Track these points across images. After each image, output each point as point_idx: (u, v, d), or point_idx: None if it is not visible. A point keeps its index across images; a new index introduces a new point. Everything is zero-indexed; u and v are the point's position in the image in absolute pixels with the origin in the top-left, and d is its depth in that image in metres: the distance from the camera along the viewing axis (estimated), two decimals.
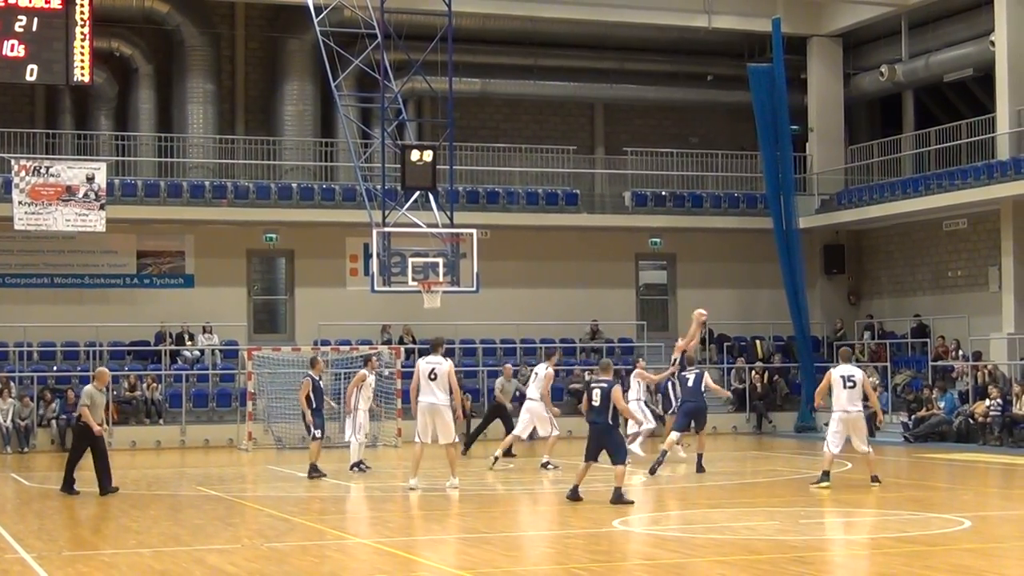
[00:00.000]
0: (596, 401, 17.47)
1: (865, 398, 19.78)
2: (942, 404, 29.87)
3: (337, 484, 21.18)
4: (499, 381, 27.11)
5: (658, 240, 36.84)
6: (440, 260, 27.10)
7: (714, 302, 36.29)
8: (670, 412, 24.15)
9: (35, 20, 27.26)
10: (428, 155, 27.11)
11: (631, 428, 24.50)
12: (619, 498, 17.35)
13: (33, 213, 30.18)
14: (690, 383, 22.28)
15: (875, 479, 19.48)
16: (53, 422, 29.83)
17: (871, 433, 23.52)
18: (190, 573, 12.80)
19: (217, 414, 31.62)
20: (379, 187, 28.52)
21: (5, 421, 29.28)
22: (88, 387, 20.09)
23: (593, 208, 36.49)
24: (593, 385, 17.71)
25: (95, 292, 33.06)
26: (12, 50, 27.19)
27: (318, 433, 21.85)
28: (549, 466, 22.90)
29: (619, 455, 17.52)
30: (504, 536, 15.26)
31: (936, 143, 34.38)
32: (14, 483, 22.91)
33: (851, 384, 19.44)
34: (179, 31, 34.48)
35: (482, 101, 37.69)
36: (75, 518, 17.69)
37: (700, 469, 21.94)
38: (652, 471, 21.54)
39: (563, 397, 32.08)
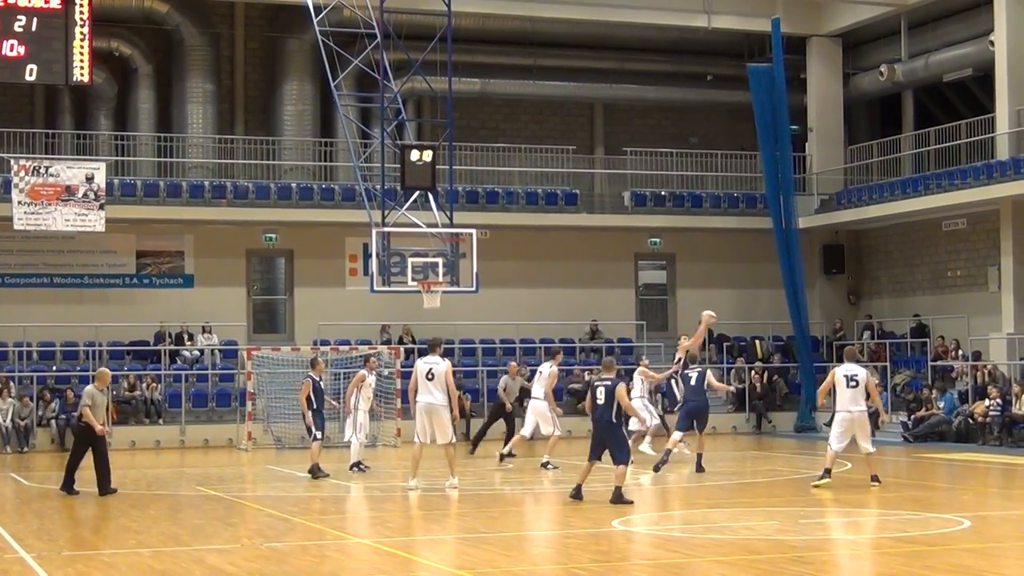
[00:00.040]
0: (600, 399, 17.47)
1: (868, 397, 19.75)
2: (941, 404, 29.87)
3: (337, 484, 21.18)
4: (504, 379, 27.10)
5: (657, 240, 36.85)
6: (439, 260, 27.09)
7: (714, 302, 36.16)
8: (676, 407, 24.05)
9: (34, 20, 27.26)
10: (428, 155, 27.10)
11: (633, 425, 24.48)
12: (619, 498, 17.34)
13: (32, 213, 30.18)
14: (692, 382, 22.25)
15: (875, 479, 19.47)
16: (52, 422, 29.83)
17: (872, 433, 23.48)
18: (190, 573, 12.80)
19: (216, 414, 31.62)
20: (378, 187, 28.51)
21: (5, 421, 29.28)
22: (89, 387, 20.06)
23: (592, 208, 36.50)
24: (597, 383, 17.70)
25: (94, 292, 33.06)
26: (11, 50, 27.19)
27: (319, 434, 21.85)
28: (549, 466, 22.90)
29: (621, 454, 17.51)
30: (504, 536, 15.26)
31: (935, 143, 34.39)
32: (13, 483, 22.91)
33: (854, 383, 19.41)
34: (178, 31, 34.49)
35: (481, 101, 37.70)
36: (75, 518, 17.69)
37: (700, 469, 21.93)
38: (656, 468, 21.58)
39: (563, 397, 32.02)
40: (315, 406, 21.72)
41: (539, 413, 23.51)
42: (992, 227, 32.66)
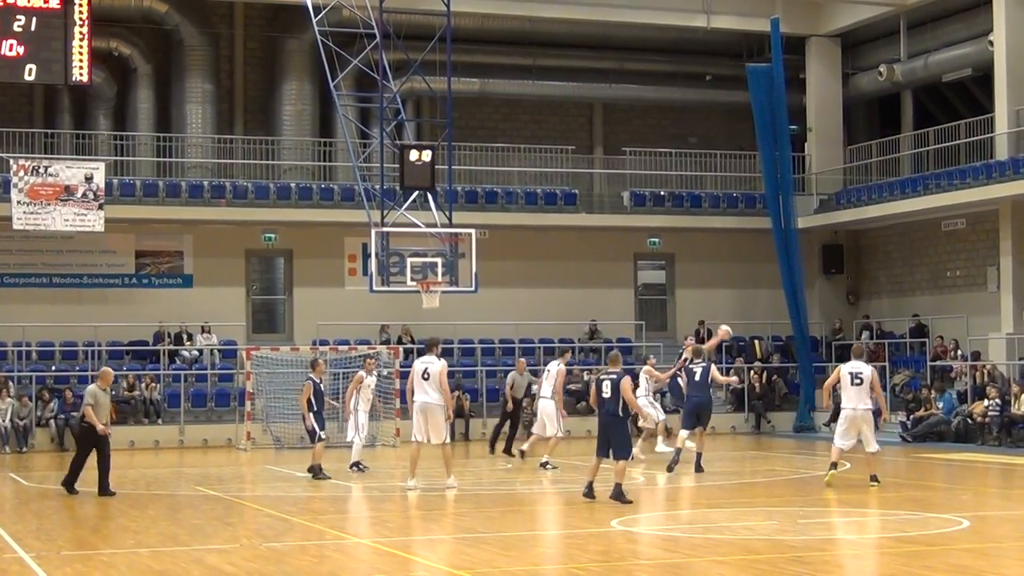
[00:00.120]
0: (607, 393, 17.49)
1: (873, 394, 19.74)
2: (940, 404, 29.87)
3: (336, 484, 21.17)
4: (511, 375, 27.11)
5: (657, 240, 36.85)
6: (439, 260, 27.08)
7: (713, 302, 36.48)
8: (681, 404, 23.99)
9: (34, 20, 27.25)
10: (427, 155, 27.10)
11: (647, 424, 24.52)
12: (619, 494, 17.34)
13: (32, 213, 30.17)
14: (697, 376, 22.22)
15: (874, 479, 19.46)
16: (51, 422, 29.82)
17: None
18: (189, 573, 12.80)
19: (216, 414, 31.62)
20: (378, 187, 28.51)
21: (4, 421, 29.27)
22: (92, 387, 20.01)
23: (592, 208, 36.50)
24: (603, 377, 17.72)
25: (93, 292, 33.06)
26: (11, 49, 27.18)
27: (323, 434, 21.85)
28: (548, 466, 22.90)
29: (622, 450, 17.51)
30: (502, 536, 15.25)
31: (935, 143, 34.39)
32: (12, 483, 22.89)
33: (858, 381, 19.40)
34: (178, 31, 34.48)
35: (481, 101, 37.69)
36: (74, 518, 17.68)
37: (699, 469, 21.92)
38: (670, 469, 21.65)
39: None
40: (315, 408, 21.70)
41: (546, 413, 23.48)
42: (991, 227, 32.66)
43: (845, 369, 19.67)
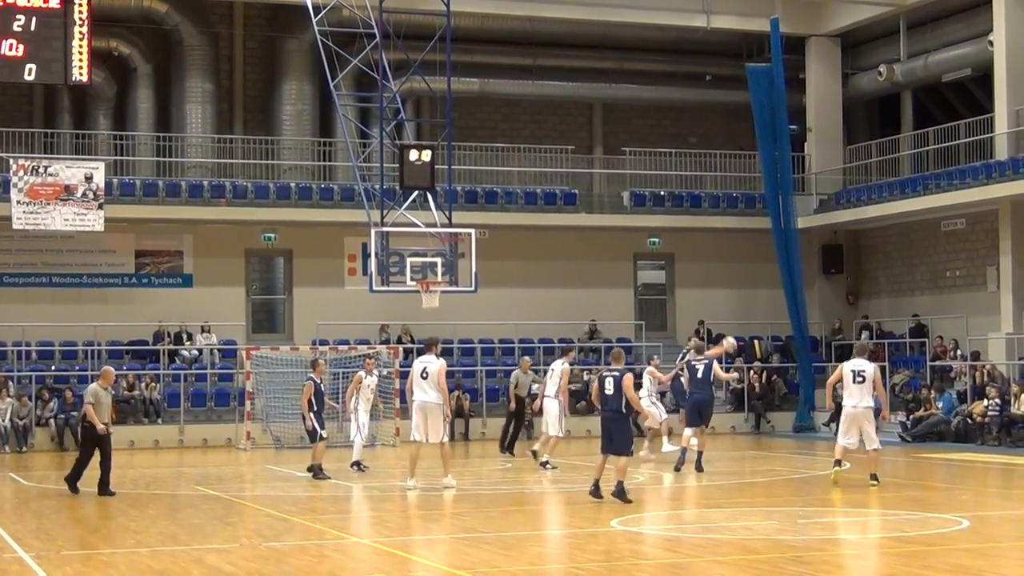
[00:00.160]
0: (609, 390, 17.50)
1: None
2: (940, 404, 29.87)
3: (336, 484, 21.17)
4: (515, 373, 27.09)
5: (656, 240, 36.85)
6: (438, 260, 27.08)
7: (712, 302, 36.50)
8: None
9: (33, 19, 27.24)
10: (426, 155, 27.10)
11: (651, 423, 24.54)
12: (621, 492, 17.35)
13: (31, 212, 30.17)
14: (699, 373, 22.24)
15: (874, 478, 19.47)
16: (51, 421, 29.82)
17: None
18: (188, 572, 12.80)
19: (215, 413, 31.62)
20: (377, 187, 28.51)
21: (3, 420, 29.27)
22: (93, 385, 19.98)
23: (591, 208, 36.50)
24: (605, 374, 17.73)
25: (93, 291, 33.06)
26: (11, 49, 27.17)
27: (324, 434, 21.85)
28: (548, 466, 22.90)
29: (624, 447, 17.51)
30: (502, 536, 15.25)
31: (934, 143, 34.39)
32: (12, 483, 22.90)
33: (860, 379, 19.43)
34: (177, 30, 34.48)
35: (480, 101, 37.69)
36: (73, 517, 17.68)
37: (699, 468, 21.92)
38: (677, 469, 21.73)
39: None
40: (316, 408, 21.70)
41: (550, 412, 23.47)
42: (991, 227, 32.67)
43: (847, 367, 19.70)
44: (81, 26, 27.56)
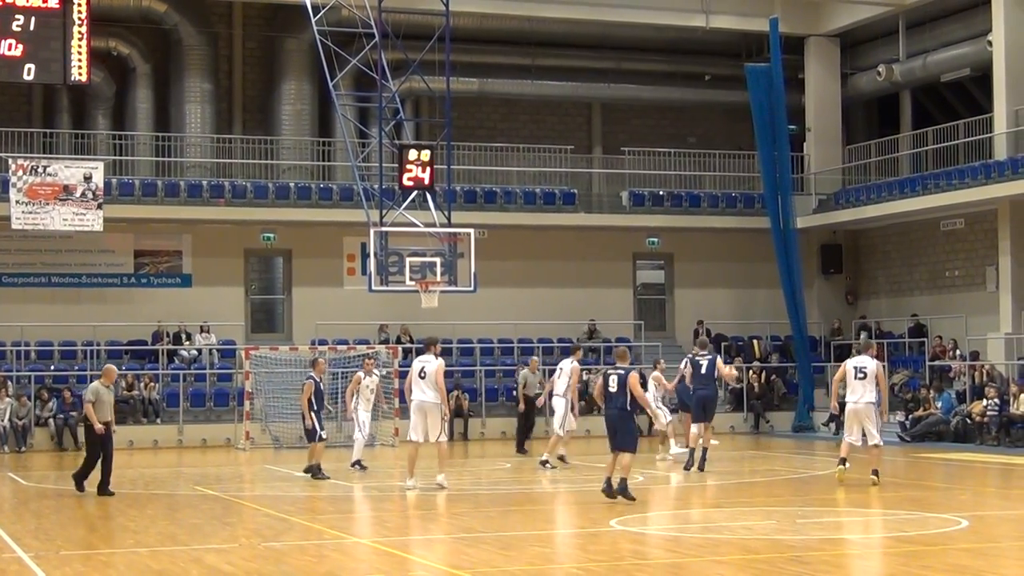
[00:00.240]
0: (613, 387, 17.50)
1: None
2: (939, 404, 29.88)
3: (335, 484, 21.17)
4: (523, 373, 27.02)
5: (655, 240, 36.85)
6: (437, 260, 27.06)
7: (712, 302, 36.51)
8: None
9: (32, 19, 27.22)
10: (426, 155, 27.09)
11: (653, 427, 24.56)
12: (625, 489, 17.34)
13: (30, 212, 30.17)
14: (703, 369, 22.27)
15: (875, 474, 19.52)
16: (50, 421, 29.82)
17: None
18: (187, 572, 12.79)
19: (215, 413, 31.61)
20: (376, 186, 28.50)
21: (2, 420, 29.27)
22: (94, 384, 19.93)
23: (591, 208, 36.50)
24: (610, 372, 17.72)
25: (92, 291, 33.05)
26: (10, 49, 27.15)
27: (323, 434, 21.85)
28: (547, 465, 22.90)
29: (629, 444, 17.50)
30: (501, 536, 15.25)
31: (933, 143, 34.39)
32: (11, 483, 22.88)
33: (862, 375, 19.53)
34: (177, 30, 34.48)
35: (480, 101, 37.69)
36: (72, 517, 17.66)
37: (701, 467, 21.92)
38: (687, 467, 21.87)
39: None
40: (316, 407, 21.69)
41: (559, 411, 23.43)
42: (990, 227, 32.67)
43: (850, 363, 19.85)
44: (80, 26, 27.54)
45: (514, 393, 32.05)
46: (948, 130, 34.12)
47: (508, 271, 34.70)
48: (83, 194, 30.36)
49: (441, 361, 19.58)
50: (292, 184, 34.08)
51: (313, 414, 21.52)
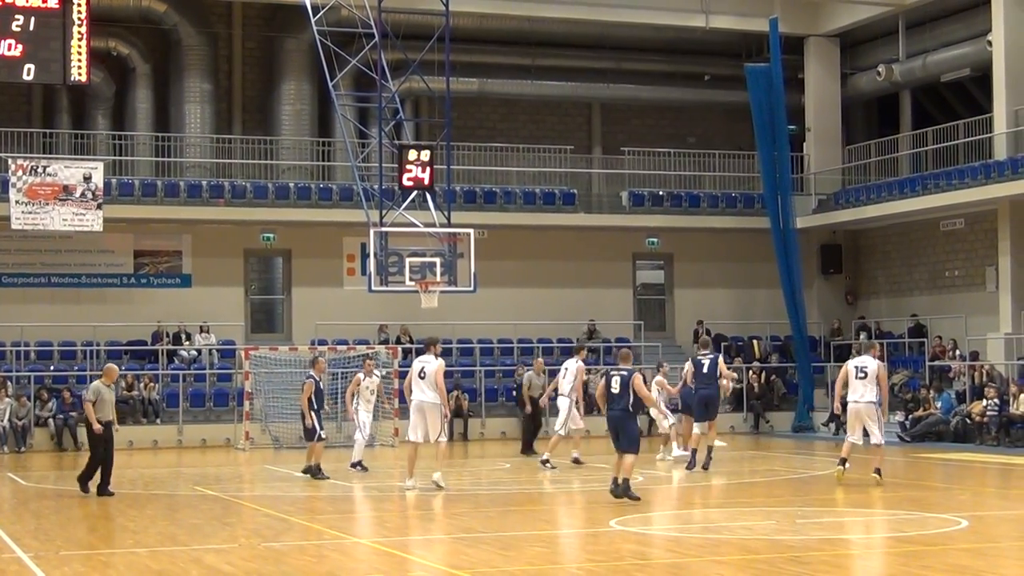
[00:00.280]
0: (615, 389, 17.49)
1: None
2: (939, 404, 29.88)
3: (334, 484, 21.17)
4: (528, 375, 27.00)
5: (655, 240, 36.85)
6: (437, 260, 27.07)
7: (711, 302, 36.51)
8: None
9: (32, 19, 27.20)
10: (425, 155, 27.09)
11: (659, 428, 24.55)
12: (627, 490, 17.33)
13: (30, 212, 30.17)
14: (705, 368, 22.29)
15: (877, 472, 19.54)
16: (50, 421, 29.81)
17: None
18: (187, 573, 12.79)
19: (214, 414, 31.61)
20: (376, 187, 28.50)
21: (2, 421, 29.26)
22: (95, 383, 19.91)
23: (590, 208, 36.50)
24: (613, 373, 17.70)
25: (92, 292, 33.05)
26: (9, 49, 27.14)
27: (323, 434, 21.85)
28: (548, 465, 22.88)
29: (631, 445, 17.50)
30: (501, 536, 15.24)
31: (933, 143, 34.39)
32: (11, 483, 22.88)
33: (862, 375, 19.59)
34: (176, 30, 34.48)
35: (479, 101, 37.69)
36: (72, 518, 17.66)
37: (706, 466, 21.93)
38: (689, 467, 21.86)
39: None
40: (316, 407, 21.68)
41: (564, 411, 23.43)
42: (990, 227, 32.67)
43: (851, 364, 19.94)
44: (80, 26, 27.53)
45: (514, 393, 32.09)
46: (948, 130, 34.12)
47: (508, 271, 34.70)
48: (83, 194, 30.36)
49: (441, 361, 19.58)
50: (292, 184, 34.09)
51: (313, 413, 21.51)
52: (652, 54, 38.14)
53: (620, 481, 17.43)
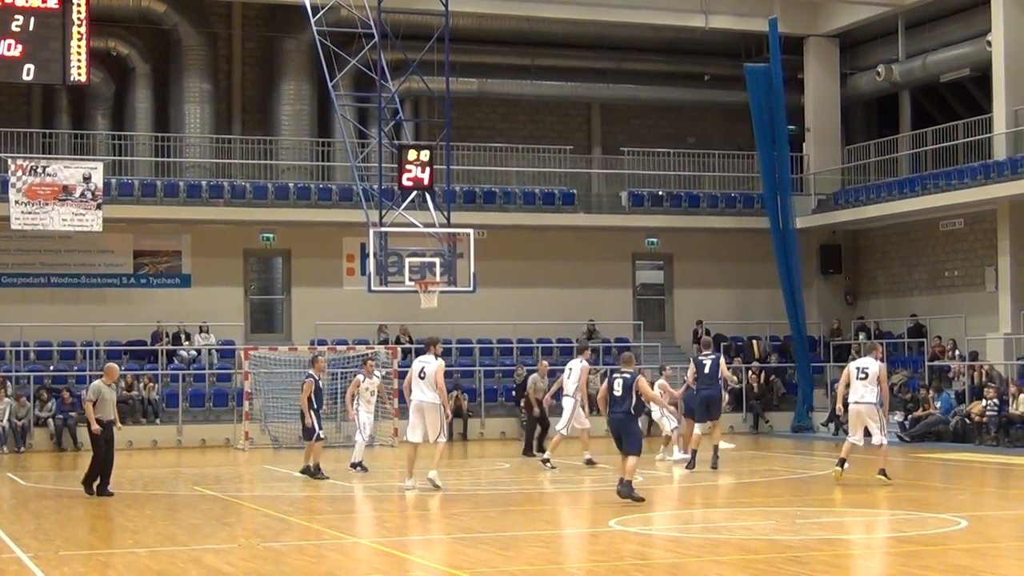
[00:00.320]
0: (618, 392, 17.49)
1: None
2: (938, 404, 29.88)
3: (334, 484, 21.17)
4: (533, 377, 27.05)
5: (655, 240, 36.86)
6: (437, 260, 27.07)
7: (711, 302, 36.52)
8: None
9: (32, 19, 27.20)
10: (425, 155, 27.09)
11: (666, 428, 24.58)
12: (629, 491, 17.34)
13: (30, 213, 30.17)
14: (707, 368, 22.31)
15: (882, 473, 19.56)
16: (49, 421, 29.81)
17: None
18: (186, 573, 12.79)
19: (214, 414, 31.61)
20: (376, 187, 28.51)
21: (1, 421, 29.26)
22: (96, 383, 19.91)
23: (590, 208, 36.50)
24: (615, 376, 17.70)
25: (92, 292, 33.05)
26: (9, 49, 27.14)
27: (322, 434, 21.85)
28: (548, 464, 22.88)
29: (633, 447, 17.50)
30: (500, 536, 15.24)
31: (933, 143, 34.40)
32: (10, 483, 22.88)
33: (863, 376, 19.62)
34: (176, 30, 34.48)
35: (479, 101, 37.69)
36: (71, 518, 17.65)
37: (715, 465, 21.96)
38: (713, 466, 21.96)
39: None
40: (316, 406, 21.68)
41: (568, 411, 23.42)
42: (989, 227, 32.68)
43: (853, 365, 19.98)
44: (79, 26, 27.53)
45: (513, 393, 32.10)
46: (947, 130, 34.12)
47: (507, 271, 34.71)
48: (82, 194, 30.36)
49: (441, 362, 19.58)
50: (291, 184, 34.09)
51: (313, 413, 21.51)
52: (652, 54, 38.14)
53: (624, 482, 17.44)
